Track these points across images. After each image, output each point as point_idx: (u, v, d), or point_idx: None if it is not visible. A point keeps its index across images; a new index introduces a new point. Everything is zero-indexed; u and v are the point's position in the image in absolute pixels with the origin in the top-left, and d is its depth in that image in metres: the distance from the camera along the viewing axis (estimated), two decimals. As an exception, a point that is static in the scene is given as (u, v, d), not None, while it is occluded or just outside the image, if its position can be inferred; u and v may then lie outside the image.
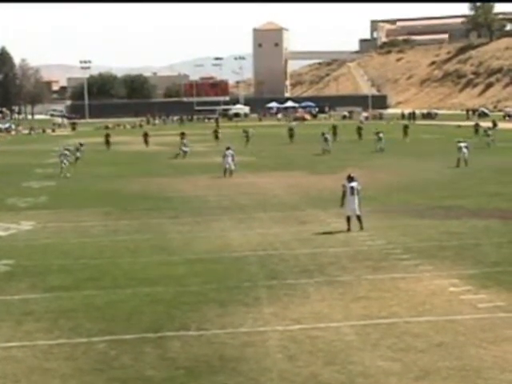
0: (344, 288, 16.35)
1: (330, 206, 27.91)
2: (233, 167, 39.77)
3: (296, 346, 12.75)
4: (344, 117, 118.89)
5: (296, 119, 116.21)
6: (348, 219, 22.94)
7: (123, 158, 52.17)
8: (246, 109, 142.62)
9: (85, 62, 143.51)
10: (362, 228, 22.80)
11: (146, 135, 65.23)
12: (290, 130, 67.18)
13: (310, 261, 19.13)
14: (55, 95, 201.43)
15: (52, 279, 17.86)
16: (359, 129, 66.90)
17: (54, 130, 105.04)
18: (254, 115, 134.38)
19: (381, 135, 54.57)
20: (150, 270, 18.61)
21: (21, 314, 15.00)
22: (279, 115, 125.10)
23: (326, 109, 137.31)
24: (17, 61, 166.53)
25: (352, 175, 23.78)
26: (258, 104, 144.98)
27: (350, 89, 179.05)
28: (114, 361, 12.29)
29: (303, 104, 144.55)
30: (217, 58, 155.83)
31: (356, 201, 22.95)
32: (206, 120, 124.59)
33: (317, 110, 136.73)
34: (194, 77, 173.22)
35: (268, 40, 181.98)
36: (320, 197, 30.96)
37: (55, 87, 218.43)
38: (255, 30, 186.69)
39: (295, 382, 11.24)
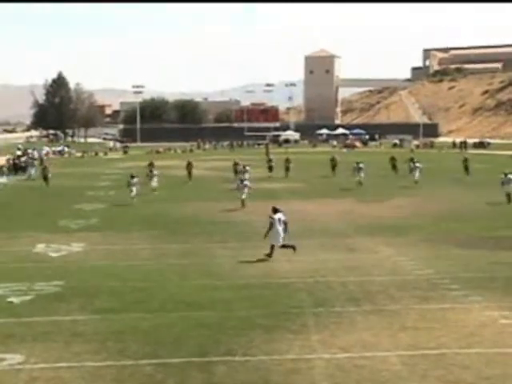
0: (392, 317, 16.21)
1: (378, 234, 27.85)
2: (244, 196, 38.38)
3: (342, 374, 12.66)
4: (395, 145, 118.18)
5: (346, 146, 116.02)
6: (272, 247, 23.24)
7: (172, 182, 52.51)
8: (297, 135, 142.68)
9: (137, 86, 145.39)
10: (294, 248, 23.50)
11: (189, 165, 55.83)
12: (332, 160, 60.05)
13: (357, 289, 19.03)
14: (108, 119, 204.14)
15: (101, 301, 18.05)
16: (411, 160, 55.13)
17: (106, 154, 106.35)
18: (305, 142, 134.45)
19: (418, 165, 50.15)
20: (197, 294, 18.69)
21: (70, 335, 15.19)
22: (334, 142, 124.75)
23: (377, 136, 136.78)
24: (72, 85, 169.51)
25: (277, 207, 24.13)
26: (308, 130, 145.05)
27: (400, 117, 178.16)
28: (160, 384, 12.35)
29: (354, 131, 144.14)
30: (268, 85, 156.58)
31: (281, 231, 23.29)
32: (256, 146, 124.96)
33: (367, 137, 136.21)
34: (245, 102, 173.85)
35: (319, 67, 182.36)
36: (367, 225, 30.81)
37: (108, 111, 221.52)
38: (307, 57, 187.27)
39: (341, 411, 11.17)
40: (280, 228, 23.28)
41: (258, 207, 37.69)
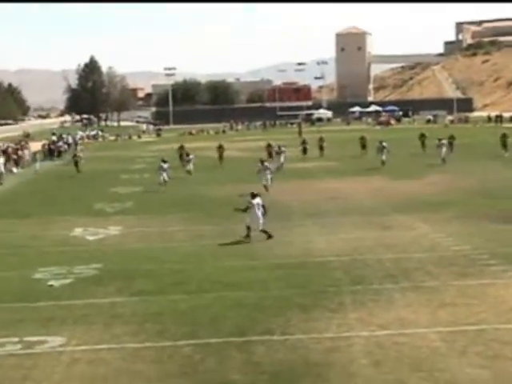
0: (430, 294, 16.12)
1: (413, 211, 27.68)
2: (269, 182, 36.49)
3: (381, 351, 12.63)
4: (428, 121, 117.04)
5: (380, 123, 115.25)
6: (248, 228, 23.23)
7: (205, 164, 52.48)
8: (329, 113, 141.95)
9: (169, 68, 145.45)
10: (270, 237, 23.18)
11: (220, 148, 53.87)
12: (362, 139, 57.32)
13: (394, 266, 18.94)
14: (140, 102, 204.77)
15: (138, 283, 18.18)
16: (451, 138, 53.32)
17: (139, 136, 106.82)
18: (337, 120, 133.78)
19: (443, 141, 47.76)
20: (233, 274, 18.75)
21: (109, 317, 15.33)
22: (369, 119, 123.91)
23: (410, 113, 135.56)
24: (104, 69, 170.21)
25: (254, 192, 24.18)
26: (340, 108, 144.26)
27: (434, 92, 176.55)
28: (200, 364, 12.42)
29: (387, 108, 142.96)
30: (299, 63, 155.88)
31: (260, 216, 23.26)
32: (289, 125, 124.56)
33: (400, 114, 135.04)
34: (277, 82, 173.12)
35: (351, 44, 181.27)
36: (401, 202, 30.61)
37: (141, 94, 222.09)
38: (338, 35, 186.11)
39: (380, 389, 11.16)
40: (259, 212, 23.26)
41: (294, 187, 37.67)
